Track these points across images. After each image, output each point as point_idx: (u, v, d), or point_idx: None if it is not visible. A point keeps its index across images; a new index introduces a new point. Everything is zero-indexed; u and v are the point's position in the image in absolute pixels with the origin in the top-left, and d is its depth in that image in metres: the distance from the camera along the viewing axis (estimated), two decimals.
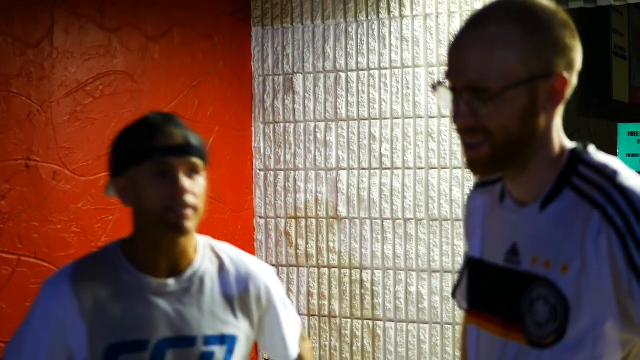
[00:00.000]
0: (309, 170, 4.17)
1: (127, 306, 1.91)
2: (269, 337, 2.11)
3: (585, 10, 3.77)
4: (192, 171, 1.92)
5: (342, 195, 4.09)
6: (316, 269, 4.15)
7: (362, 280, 4.05)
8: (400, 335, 3.96)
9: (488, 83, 1.48)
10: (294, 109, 4.21)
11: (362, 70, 4.06)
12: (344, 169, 4.10)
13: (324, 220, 4.14)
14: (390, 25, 4.00)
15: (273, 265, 4.25)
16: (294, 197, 4.21)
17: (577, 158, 1.55)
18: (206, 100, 4.00)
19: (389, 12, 3.99)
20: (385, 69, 4.01)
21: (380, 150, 4.01)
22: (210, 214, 3.98)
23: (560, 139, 1.57)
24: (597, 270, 1.46)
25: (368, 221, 4.04)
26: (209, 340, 1.94)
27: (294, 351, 2.14)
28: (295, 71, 4.21)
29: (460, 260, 3.83)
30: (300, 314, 4.16)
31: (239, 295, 2.01)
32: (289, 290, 4.21)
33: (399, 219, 3.98)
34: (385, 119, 4.01)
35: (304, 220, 4.19)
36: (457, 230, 3.85)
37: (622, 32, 5.60)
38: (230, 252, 2.07)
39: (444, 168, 3.88)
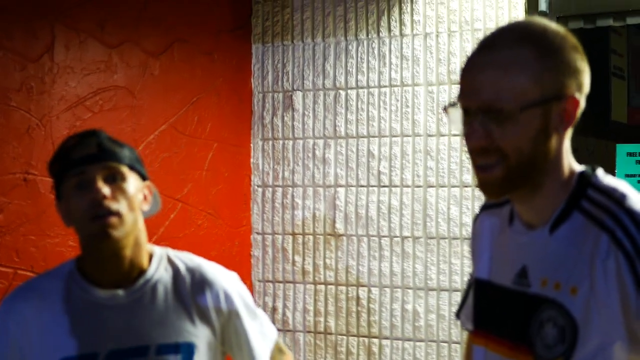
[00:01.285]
0: (307, 187, 4.18)
1: (76, 320, 1.91)
2: (234, 346, 2.06)
3: (584, 30, 3.78)
4: (114, 177, 1.89)
5: (340, 212, 4.09)
6: (313, 285, 4.15)
7: (358, 298, 4.04)
8: (396, 353, 3.96)
9: (503, 104, 1.49)
10: (293, 126, 4.22)
11: (362, 88, 4.07)
12: (342, 186, 4.10)
13: (322, 237, 4.14)
14: (390, 44, 4.01)
15: (269, 281, 4.25)
16: (291, 214, 4.21)
17: (586, 181, 1.56)
18: (205, 117, 4.01)
19: (389, 30, 4.01)
20: (385, 87, 4.02)
21: (379, 168, 4.02)
22: (207, 230, 4.02)
23: (569, 162, 1.58)
24: (605, 292, 1.47)
25: (365, 238, 4.04)
26: (161, 349, 1.92)
27: None
28: (295, 88, 4.22)
29: (457, 279, 3.83)
30: (296, 330, 4.16)
31: (195, 303, 1.97)
32: (285, 306, 4.20)
33: (396, 236, 3.98)
34: (384, 136, 4.02)
35: (301, 236, 4.19)
36: (455, 248, 3.85)
37: (621, 53, 5.61)
38: (188, 261, 2.04)
39: (442, 186, 3.89)
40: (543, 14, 3.72)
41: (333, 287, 4.10)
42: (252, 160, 4.32)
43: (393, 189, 3.99)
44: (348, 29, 4.10)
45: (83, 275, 1.95)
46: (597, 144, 5.32)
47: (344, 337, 4.08)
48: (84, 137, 1.93)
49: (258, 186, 4.30)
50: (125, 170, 1.90)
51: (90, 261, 1.94)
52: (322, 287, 4.13)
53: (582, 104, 1.56)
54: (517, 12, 3.74)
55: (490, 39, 1.56)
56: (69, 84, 3.33)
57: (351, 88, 4.09)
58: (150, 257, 1.99)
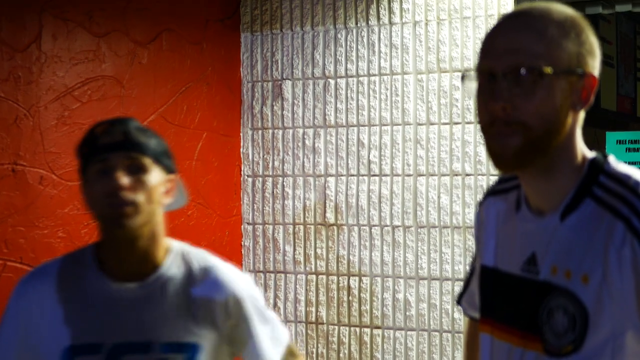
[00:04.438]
0: (297, 176, 4.17)
1: (86, 308, 1.91)
2: (243, 350, 2.04)
3: None
4: (136, 168, 1.88)
5: (330, 201, 4.09)
6: (304, 275, 4.15)
7: (349, 287, 4.04)
8: (388, 343, 3.96)
9: (539, 63, 1.48)
10: (282, 115, 4.21)
11: (351, 76, 4.06)
12: (332, 176, 4.09)
13: (312, 226, 4.13)
14: (379, 32, 4.00)
15: (260, 271, 4.24)
16: (282, 204, 4.20)
17: (597, 168, 1.55)
18: (194, 106, 3.99)
19: (379, 19, 4.00)
20: (374, 75, 4.01)
21: (369, 157, 4.01)
22: (197, 220, 4.01)
23: (581, 147, 1.57)
24: (619, 280, 1.46)
25: (356, 228, 4.04)
26: (165, 348, 1.91)
27: None
28: (284, 77, 4.21)
29: (448, 268, 3.84)
30: (287, 321, 4.16)
31: (204, 303, 1.96)
32: (276, 296, 4.20)
33: (387, 226, 3.98)
34: (373, 125, 4.01)
35: (291, 226, 4.18)
36: (445, 237, 3.85)
37: (610, 41, 5.62)
38: (202, 260, 2.01)
39: (432, 175, 3.89)
40: (532, 1, 3.71)
41: (324, 276, 4.10)
42: (242, 149, 4.30)
43: (383, 178, 3.99)
44: (337, 18, 4.09)
45: (99, 262, 1.94)
46: (586, 132, 5.32)
47: (336, 326, 4.08)
48: (113, 124, 1.92)
49: (248, 176, 4.29)
50: (148, 162, 1.89)
51: (106, 248, 1.93)
52: (313, 277, 4.13)
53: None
54: (506, 0, 3.74)
55: (519, 10, 1.56)
56: (57, 74, 3.31)
57: (340, 77, 4.09)
58: (166, 252, 1.97)
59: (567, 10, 1.55)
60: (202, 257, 2.02)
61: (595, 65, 1.54)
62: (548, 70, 1.48)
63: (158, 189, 1.91)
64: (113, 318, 1.90)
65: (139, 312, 1.91)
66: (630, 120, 5.99)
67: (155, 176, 1.90)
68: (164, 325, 1.92)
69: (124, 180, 1.85)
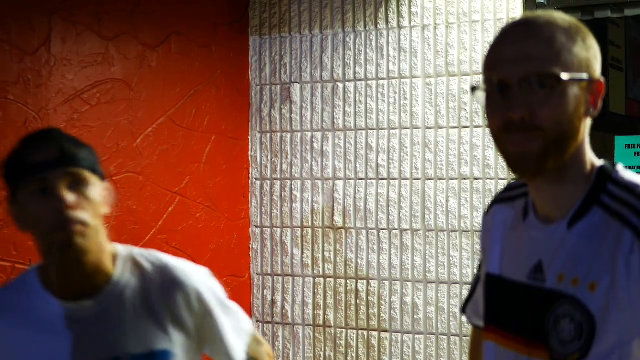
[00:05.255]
0: (306, 179, 4.17)
1: (40, 337, 1.80)
2: (211, 345, 1.96)
3: (583, 22, 3.77)
4: (77, 183, 1.76)
5: (339, 205, 4.09)
6: (312, 278, 4.15)
7: (357, 290, 4.04)
8: (395, 346, 3.96)
9: (553, 69, 1.48)
10: (291, 118, 4.22)
11: (360, 80, 4.06)
12: (340, 179, 4.09)
13: (320, 229, 4.13)
14: (388, 36, 4.00)
15: (268, 274, 4.25)
16: (290, 207, 4.21)
17: (606, 176, 1.55)
18: (203, 109, 4.00)
19: (387, 22, 4.00)
20: (383, 79, 4.01)
21: (377, 160, 4.01)
22: (206, 223, 4.01)
23: (590, 155, 1.57)
24: (627, 288, 1.46)
25: (364, 231, 4.04)
26: None
27: (239, 357, 1.98)
28: (293, 81, 4.21)
29: (455, 272, 3.83)
30: (295, 324, 4.16)
31: (166, 305, 1.87)
32: (284, 299, 4.20)
33: (395, 229, 3.97)
34: (382, 129, 4.01)
35: (299, 229, 4.18)
36: (454, 241, 3.84)
37: (619, 44, 5.61)
38: (154, 260, 1.92)
39: (440, 179, 3.88)
40: (541, 5, 3.71)
41: (332, 280, 4.10)
42: (250, 152, 4.31)
43: (391, 181, 3.99)
44: (346, 21, 4.09)
45: (45, 286, 1.82)
46: (595, 136, 5.31)
47: (343, 330, 4.07)
48: (43, 139, 1.79)
49: (256, 179, 4.30)
50: (87, 174, 1.78)
51: (53, 270, 1.81)
52: (321, 280, 4.13)
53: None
54: (515, 4, 3.73)
55: (524, 18, 1.56)
56: (66, 77, 3.32)
57: (349, 80, 4.09)
58: (114, 259, 1.87)
59: (569, 18, 1.56)
60: (154, 257, 1.93)
61: (599, 70, 1.55)
62: (563, 76, 1.48)
63: (100, 201, 1.80)
64: (73, 341, 1.79)
65: (99, 329, 1.81)
66: (639, 124, 5.97)
67: (96, 188, 1.80)
68: (130, 337, 1.82)
69: (70, 198, 1.73)
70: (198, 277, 1.94)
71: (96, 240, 1.79)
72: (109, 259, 1.85)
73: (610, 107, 5.39)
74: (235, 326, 1.99)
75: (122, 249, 1.90)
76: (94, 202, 1.78)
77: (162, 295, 1.87)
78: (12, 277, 3.09)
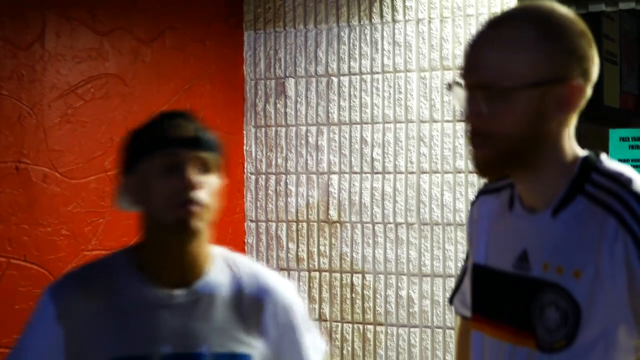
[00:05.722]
0: (301, 174, 4.17)
1: (128, 318, 1.77)
2: (288, 359, 1.93)
3: (577, 15, 3.78)
4: (204, 168, 1.76)
5: (334, 199, 4.09)
6: (307, 272, 4.15)
7: (352, 284, 4.05)
8: (391, 339, 3.96)
9: (495, 81, 1.49)
10: (285, 113, 4.21)
11: (354, 74, 4.06)
12: (335, 173, 4.10)
13: (315, 224, 4.14)
14: (382, 30, 4.00)
15: None
16: (285, 201, 4.21)
17: (589, 165, 1.55)
18: (198, 104, 4.00)
19: (382, 16, 4.00)
20: (377, 73, 4.01)
21: (372, 154, 4.02)
22: None
23: (572, 147, 1.58)
24: (611, 276, 1.47)
25: (359, 225, 4.04)
26: (217, 359, 1.79)
27: None
28: (287, 75, 4.21)
29: (451, 265, 3.84)
30: None
31: (254, 312, 1.85)
32: None
33: (390, 223, 3.98)
34: (377, 123, 4.01)
35: (295, 223, 4.18)
36: (449, 234, 3.85)
37: (613, 38, 5.61)
38: (248, 266, 1.92)
39: (435, 172, 3.89)
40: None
41: (327, 274, 4.10)
42: (245, 147, 4.31)
43: (386, 175, 3.99)
44: (340, 15, 4.09)
45: (139, 268, 1.80)
46: (589, 129, 5.32)
47: (339, 323, 4.08)
48: (182, 117, 1.80)
49: (251, 173, 4.30)
50: (215, 163, 1.78)
51: (153, 255, 1.80)
52: (316, 274, 4.13)
53: (588, 91, 1.55)
54: None
55: (497, 18, 1.57)
56: (60, 72, 3.32)
57: (343, 75, 4.09)
58: (210, 258, 1.85)
59: (555, 13, 1.54)
60: (247, 263, 1.93)
61: (581, 71, 1.52)
62: (503, 87, 1.48)
63: (216, 193, 1.79)
64: (159, 327, 1.78)
65: (187, 320, 1.79)
66: (633, 117, 5.99)
67: (216, 180, 1.79)
68: (215, 335, 1.80)
69: (197, 178, 1.73)
70: (287, 290, 1.95)
71: (206, 228, 1.78)
72: (207, 255, 1.84)
73: (605, 100, 5.40)
74: (314, 345, 1.99)
75: (217, 250, 1.89)
76: (214, 191, 1.77)
77: (254, 301, 1.86)
78: (9, 272, 3.10)
